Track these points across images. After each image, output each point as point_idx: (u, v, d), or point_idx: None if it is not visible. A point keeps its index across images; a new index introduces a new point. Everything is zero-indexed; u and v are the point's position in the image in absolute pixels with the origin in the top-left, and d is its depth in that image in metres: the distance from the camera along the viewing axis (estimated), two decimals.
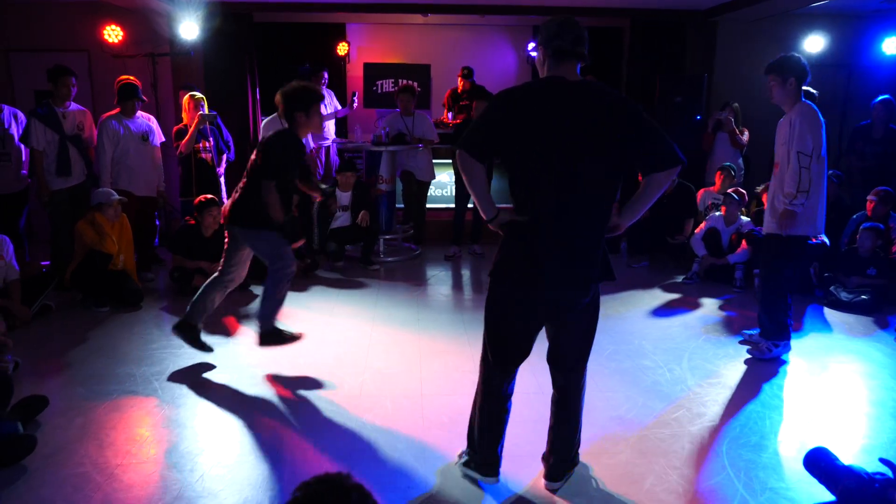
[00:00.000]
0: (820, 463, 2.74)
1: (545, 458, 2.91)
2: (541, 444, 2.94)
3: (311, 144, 7.38)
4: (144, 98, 6.04)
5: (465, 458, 2.93)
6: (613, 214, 2.64)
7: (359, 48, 9.78)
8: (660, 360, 4.36)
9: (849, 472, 2.62)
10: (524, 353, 2.73)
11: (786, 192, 4.07)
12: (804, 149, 3.96)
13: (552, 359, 2.81)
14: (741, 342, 4.65)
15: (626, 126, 2.46)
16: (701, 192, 6.96)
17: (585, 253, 2.55)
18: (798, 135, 3.99)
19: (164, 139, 6.33)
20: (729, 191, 6.28)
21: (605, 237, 2.62)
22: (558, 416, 2.85)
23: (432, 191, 7.70)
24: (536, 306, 2.62)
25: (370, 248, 6.78)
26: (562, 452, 2.86)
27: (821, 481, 2.72)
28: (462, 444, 2.99)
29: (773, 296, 4.32)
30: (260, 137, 7.07)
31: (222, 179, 6.99)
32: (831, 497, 2.68)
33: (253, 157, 4.07)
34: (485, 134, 2.54)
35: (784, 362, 4.34)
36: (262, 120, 7.97)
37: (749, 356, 4.41)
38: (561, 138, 2.44)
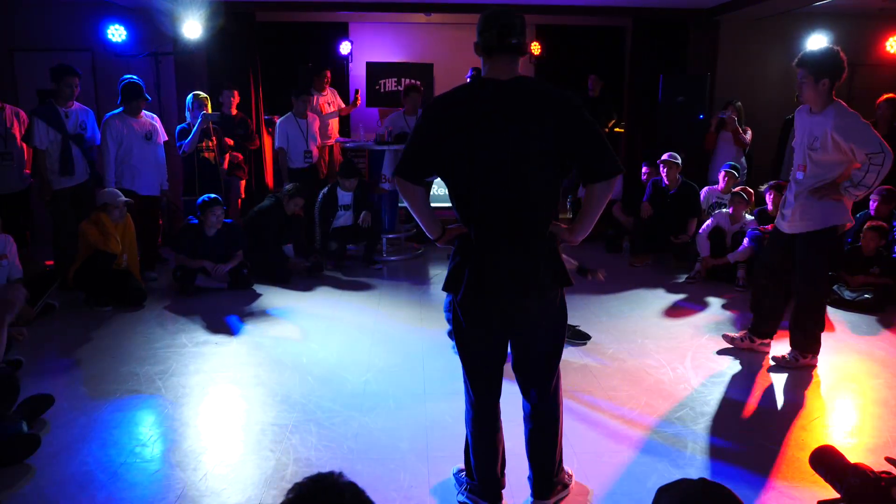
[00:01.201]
0: (825, 461, 2.73)
1: (529, 477, 2.78)
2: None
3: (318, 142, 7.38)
4: (148, 97, 6.04)
5: (466, 487, 2.78)
6: (563, 230, 2.53)
7: (361, 47, 9.77)
8: (663, 360, 4.35)
9: (854, 470, 2.61)
10: (494, 361, 2.62)
11: (861, 183, 3.76)
12: (872, 149, 3.72)
13: (517, 369, 2.66)
14: (720, 351, 4.53)
15: (565, 128, 2.31)
16: (705, 189, 6.95)
17: (528, 261, 2.42)
18: (855, 139, 3.75)
19: (166, 138, 6.33)
20: (737, 189, 6.27)
21: (555, 245, 2.52)
22: (533, 429, 2.70)
23: (435, 190, 7.69)
24: (492, 315, 2.52)
25: (373, 247, 6.78)
26: (545, 468, 2.71)
27: (826, 479, 2.71)
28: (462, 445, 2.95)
29: (814, 305, 4.15)
30: (275, 137, 7.10)
31: (242, 184, 7.04)
32: (836, 495, 2.68)
33: None
34: (418, 154, 2.41)
35: None
36: (267, 118, 8.02)
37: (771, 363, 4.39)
38: (491, 143, 2.32)
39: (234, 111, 6.89)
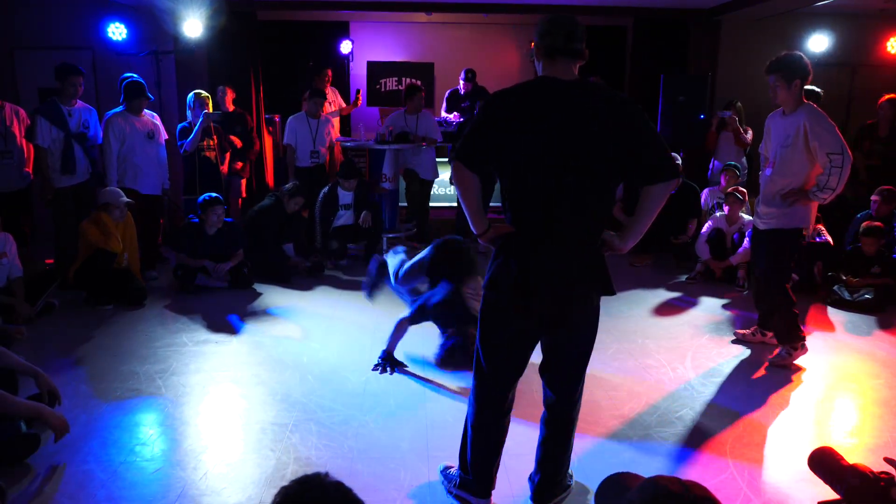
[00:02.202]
0: (824, 462, 2.73)
1: (531, 477, 2.78)
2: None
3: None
4: (151, 96, 6.04)
5: (456, 481, 2.77)
6: (614, 237, 2.52)
7: (362, 46, 9.77)
8: (663, 359, 4.35)
9: (854, 471, 2.61)
10: (518, 365, 2.61)
11: (826, 187, 3.92)
12: (833, 149, 3.85)
13: (545, 371, 2.65)
14: (733, 342, 4.65)
15: (624, 131, 2.32)
16: (706, 190, 6.95)
17: (576, 266, 2.42)
18: (820, 137, 3.88)
19: (167, 137, 6.33)
20: (730, 190, 6.28)
21: (604, 253, 2.51)
22: (549, 433, 2.69)
23: (435, 189, 7.70)
24: (527, 320, 2.51)
25: (373, 246, 6.78)
26: (549, 471, 2.71)
27: (825, 480, 2.71)
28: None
29: (780, 295, 4.24)
30: (284, 133, 7.11)
31: (243, 183, 7.05)
32: (836, 496, 2.68)
33: None
34: (478, 141, 2.41)
35: None
36: (267, 117, 8.02)
37: (742, 354, 4.40)
38: (551, 142, 2.31)
39: (231, 107, 6.89)
